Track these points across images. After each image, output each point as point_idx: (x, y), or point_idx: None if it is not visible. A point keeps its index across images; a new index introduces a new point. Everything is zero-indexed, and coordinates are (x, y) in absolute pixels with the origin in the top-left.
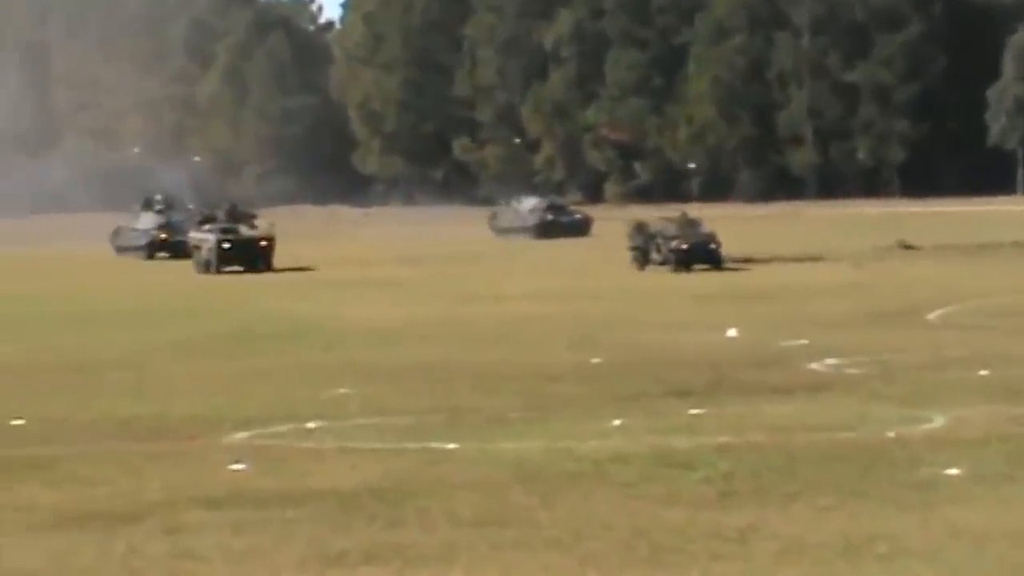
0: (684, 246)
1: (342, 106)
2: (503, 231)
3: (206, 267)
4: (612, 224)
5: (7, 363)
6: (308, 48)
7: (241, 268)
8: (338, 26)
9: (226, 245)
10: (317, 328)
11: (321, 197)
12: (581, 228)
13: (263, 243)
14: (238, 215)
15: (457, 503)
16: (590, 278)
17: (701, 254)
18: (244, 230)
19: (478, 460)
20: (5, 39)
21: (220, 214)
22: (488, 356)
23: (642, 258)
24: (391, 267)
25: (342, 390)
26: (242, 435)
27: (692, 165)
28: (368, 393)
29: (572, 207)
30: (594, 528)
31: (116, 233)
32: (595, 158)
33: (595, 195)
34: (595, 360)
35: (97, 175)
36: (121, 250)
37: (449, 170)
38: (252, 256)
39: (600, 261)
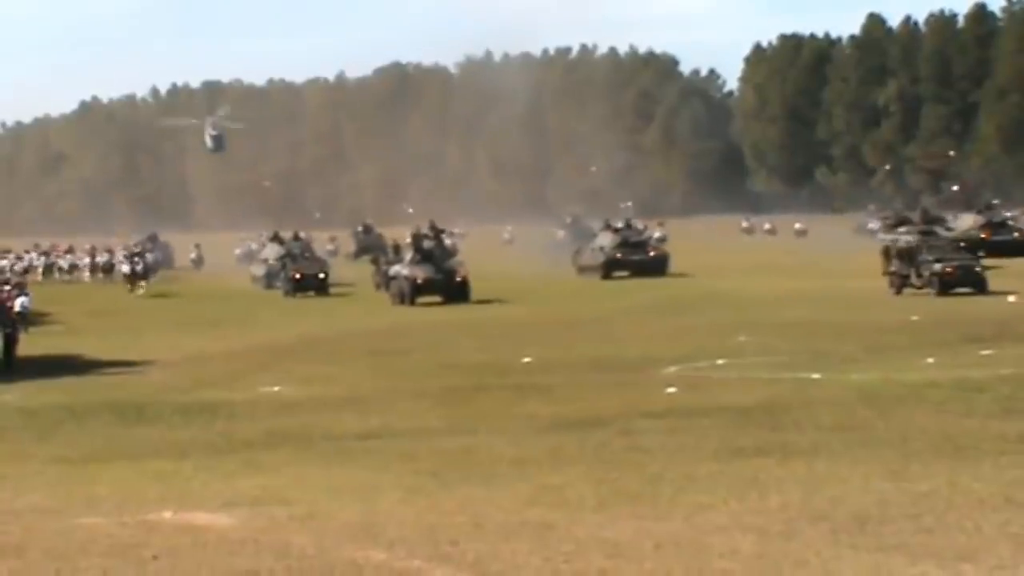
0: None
1: (739, 148)
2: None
3: None
4: None
5: (522, 320)
6: (717, 108)
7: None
8: (736, 94)
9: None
10: (724, 297)
11: (722, 210)
12: None
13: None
14: (932, 218)
15: (820, 415)
16: None
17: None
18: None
19: (834, 385)
20: (514, 107)
21: (915, 217)
22: (839, 316)
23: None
24: (778, 255)
25: (741, 338)
26: (673, 369)
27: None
28: (759, 340)
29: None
30: (915, 433)
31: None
32: (915, 181)
33: (912, 206)
34: (914, 318)
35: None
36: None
37: (813, 190)
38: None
39: None
